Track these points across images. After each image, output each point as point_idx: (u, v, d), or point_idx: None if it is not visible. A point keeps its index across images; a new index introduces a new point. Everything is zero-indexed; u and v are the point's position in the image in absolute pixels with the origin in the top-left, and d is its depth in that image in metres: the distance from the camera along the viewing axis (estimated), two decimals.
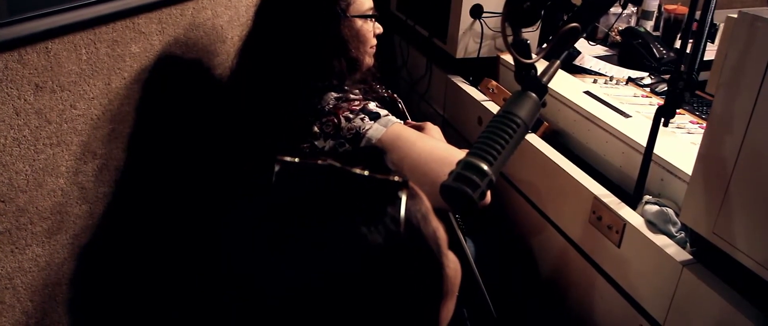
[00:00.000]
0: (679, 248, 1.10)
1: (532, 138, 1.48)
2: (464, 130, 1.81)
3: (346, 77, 1.16)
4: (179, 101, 1.33)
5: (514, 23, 0.73)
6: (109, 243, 1.21)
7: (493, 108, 1.61)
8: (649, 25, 2.22)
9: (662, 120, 1.17)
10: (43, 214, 1.06)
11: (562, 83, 1.60)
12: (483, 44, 1.78)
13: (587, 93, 1.53)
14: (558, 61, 0.81)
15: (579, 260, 1.33)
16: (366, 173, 0.55)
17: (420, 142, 1.10)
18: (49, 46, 1.00)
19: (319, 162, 0.56)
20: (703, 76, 1.46)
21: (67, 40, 1.03)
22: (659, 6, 2.25)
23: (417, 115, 2.08)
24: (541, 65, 0.82)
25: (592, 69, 1.99)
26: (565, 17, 0.86)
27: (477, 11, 1.73)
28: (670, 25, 2.13)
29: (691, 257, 1.08)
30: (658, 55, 1.95)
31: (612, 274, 1.24)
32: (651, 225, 1.17)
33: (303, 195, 0.55)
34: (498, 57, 1.80)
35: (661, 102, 1.16)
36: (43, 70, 1.00)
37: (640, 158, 1.23)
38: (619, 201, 1.23)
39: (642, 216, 1.19)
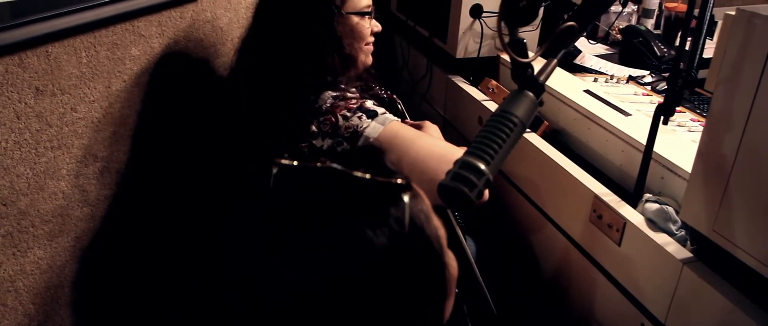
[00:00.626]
0: (679, 246, 1.10)
1: (532, 137, 1.48)
2: (465, 130, 1.82)
3: (340, 74, 1.16)
4: (180, 103, 1.33)
5: (511, 22, 0.73)
6: (111, 245, 1.22)
7: (494, 107, 1.60)
8: (649, 23, 2.22)
9: (662, 118, 1.17)
10: (44, 217, 1.07)
11: (562, 82, 1.60)
12: (483, 44, 1.78)
13: (587, 92, 1.53)
14: (555, 60, 0.81)
15: (579, 258, 1.33)
16: (368, 176, 0.55)
17: (418, 140, 1.10)
18: (50, 50, 1.01)
19: (319, 164, 0.56)
20: (704, 74, 1.46)
21: (67, 44, 1.04)
22: (660, 4, 2.24)
23: (418, 115, 2.08)
24: (540, 64, 0.82)
25: (592, 68, 1.99)
26: (565, 16, 0.86)
27: (477, 11, 1.74)
28: (671, 23, 2.12)
29: (691, 255, 1.08)
30: (658, 53, 1.95)
31: (613, 273, 1.24)
32: (651, 223, 1.17)
33: (304, 198, 0.55)
34: (498, 57, 1.80)
35: (662, 100, 1.16)
36: (43, 73, 1.00)
37: (640, 156, 1.22)
38: (619, 199, 1.23)
39: (642, 214, 1.19)
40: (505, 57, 1.79)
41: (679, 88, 1.12)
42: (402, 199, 0.55)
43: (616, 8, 2.14)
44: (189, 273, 1.33)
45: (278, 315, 0.54)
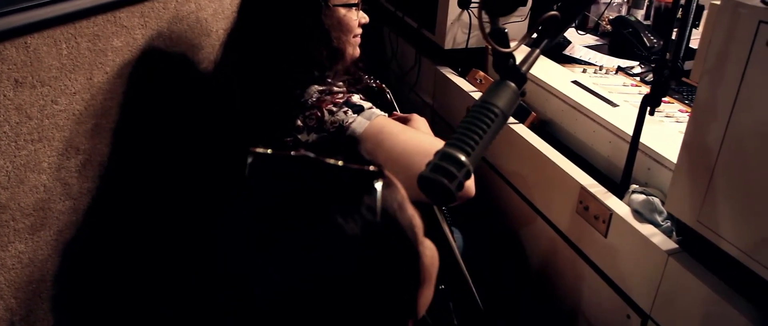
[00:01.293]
0: (664, 237, 1.10)
1: (520, 128, 1.48)
2: (453, 121, 1.81)
3: (328, 68, 1.15)
4: (163, 96, 1.32)
5: (492, 12, 0.72)
6: (93, 239, 1.21)
7: None
8: (639, 14, 2.21)
9: (648, 109, 1.17)
10: (25, 211, 1.05)
11: (550, 73, 1.59)
12: (471, 35, 1.77)
13: (575, 82, 1.53)
14: (538, 50, 0.80)
15: (567, 250, 1.33)
16: (340, 163, 0.54)
17: (403, 135, 1.10)
18: (28, 41, 0.99)
19: (293, 153, 0.56)
20: (691, 65, 1.45)
21: (46, 35, 1.02)
22: None
23: (406, 105, 2.07)
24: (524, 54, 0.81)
25: (581, 58, 1.99)
26: (554, 6, 0.85)
27: (465, 2, 1.73)
28: (661, 14, 2.12)
29: (676, 246, 1.08)
30: (648, 44, 1.95)
31: (599, 264, 1.24)
32: (637, 214, 1.16)
33: (276, 188, 0.55)
34: (486, 47, 1.79)
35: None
36: (22, 65, 0.99)
37: (627, 147, 1.22)
38: (605, 190, 1.23)
39: (628, 205, 1.19)
40: None
41: (666, 79, 1.12)
42: (374, 186, 0.54)
43: None
44: (173, 268, 1.32)
45: (259, 304, 0.54)
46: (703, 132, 0.97)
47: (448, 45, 1.78)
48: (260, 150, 0.56)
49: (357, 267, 0.53)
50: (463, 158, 0.68)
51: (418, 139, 1.11)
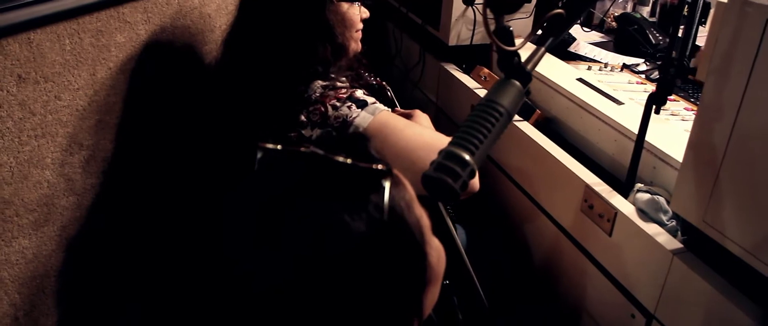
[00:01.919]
0: (669, 237, 1.10)
1: (525, 126, 1.47)
2: (457, 118, 1.80)
3: (332, 64, 1.15)
4: (167, 91, 1.32)
5: (496, 9, 0.72)
6: (97, 234, 1.21)
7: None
8: (645, 11, 2.20)
9: (654, 107, 1.16)
10: (29, 206, 1.05)
11: (555, 70, 1.58)
12: (476, 31, 1.76)
13: (580, 80, 1.52)
14: (543, 48, 0.80)
15: (571, 249, 1.32)
16: (349, 161, 0.54)
17: (407, 130, 1.09)
18: (31, 37, 0.99)
19: (302, 149, 0.56)
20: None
21: (49, 31, 1.02)
22: None
23: (410, 102, 2.06)
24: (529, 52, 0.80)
25: (586, 56, 1.98)
26: (560, 4, 0.84)
27: None
28: (667, 11, 2.11)
29: (681, 246, 1.07)
30: (654, 42, 1.94)
31: (603, 263, 1.24)
32: (642, 213, 1.16)
33: (285, 183, 0.55)
34: (491, 44, 1.78)
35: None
36: (25, 61, 0.98)
37: (632, 146, 1.22)
38: (610, 189, 1.23)
39: (633, 204, 1.18)
40: None
41: (671, 77, 1.11)
42: (382, 185, 0.54)
43: None
44: (177, 263, 1.32)
45: (262, 299, 0.54)
46: (708, 131, 0.96)
47: (453, 41, 1.77)
48: (270, 145, 0.56)
49: (362, 266, 0.53)
50: (467, 157, 0.68)
51: (421, 134, 1.10)
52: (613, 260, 1.21)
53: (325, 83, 1.13)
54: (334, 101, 1.10)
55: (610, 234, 1.20)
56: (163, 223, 1.36)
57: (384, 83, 1.71)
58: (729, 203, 0.94)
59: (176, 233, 1.33)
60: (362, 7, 1.23)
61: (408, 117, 1.32)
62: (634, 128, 1.22)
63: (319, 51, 1.14)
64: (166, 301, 1.30)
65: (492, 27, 0.73)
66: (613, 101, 1.41)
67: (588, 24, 2.21)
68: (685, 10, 1.10)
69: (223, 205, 0.58)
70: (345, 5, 1.19)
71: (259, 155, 0.56)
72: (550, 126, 1.55)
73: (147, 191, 1.31)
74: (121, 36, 1.16)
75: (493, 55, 1.78)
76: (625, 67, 1.83)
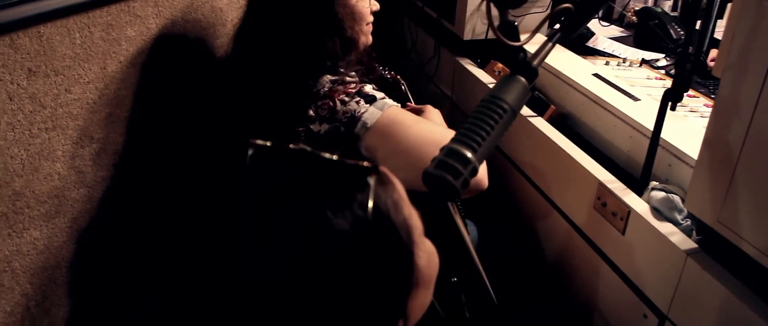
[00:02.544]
0: (684, 236, 1.07)
1: (539, 122, 1.45)
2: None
3: (341, 58, 1.14)
4: (178, 85, 1.32)
5: (500, 4, 0.70)
6: (108, 227, 1.22)
7: None
8: (666, 5, 2.15)
9: (669, 104, 1.13)
10: (40, 198, 1.06)
11: (571, 65, 1.56)
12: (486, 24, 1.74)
13: (596, 75, 1.49)
14: (551, 44, 0.78)
15: (584, 246, 1.30)
16: (335, 157, 0.53)
17: (416, 126, 1.08)
18: (42, 31, 0.99)
19: (291, 146, 0.55)
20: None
21: (60, 25, 1.02)
22: None
23: (425, 97, 2.05)
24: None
25: (605, 50, 1.94)
26: None
27: None
28: (688, 5, 2.06)
29: (696, 246, 1.05)
30: (674, 36, 1.89)
31: (616, 262, 1.21)
32: (656, 212, 1.13)
33: (271, 180, 0.54)
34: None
35: None
36: (35, 54, 0.99)
37: (647, 143, 1.19)
38: (624, 187, 1.20)
39: (647, 203, 1.16)
40: None
41: (688, 73, 1.08)
42: (367, 183, 0.53)
43: None
44: (188, 256, 1.33)
45: (250, 297, 0.54)
46: (724, 128, 0.93)
47: (468, 36, 1.75)
48: (260, 142, 0.56)
49: (344, 263, 0.52)
50: (469, 155, 0.67)
51: (430, 131, 1.09)
52: (625, 259, 1.19)
53: (334, 78, 1.12)
54: (342, 96, 1.09)
55: (623, 233, 1.17)
56: (174, 217, 1.36)
57: (399, 77, 1.70)
58: (744, 203, 0.91)
59: (187, 227, 1.34)
60: (372, 0, 1.22)
61: (419, 112, 1.31)
62: (650, 125, 1.19)
63: (328, 45, 1.13)
64: (177, 295, 1.31)
65: (497, 22, 0.72)
66: (629, 97, 1.38)
67: (607, 18, 2.17)
68: (704, 2, 1.07)
69: (226, 201, 0.58)
70: None
71: (250, 152, 0.56)
72: (565, 122, 1.53)
73: (158, 184, 1.32)
74: (132, 30, 1.17)
75: None
76: (644, 62, 1.79)
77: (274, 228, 0.53)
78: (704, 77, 1.56)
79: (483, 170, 1.06)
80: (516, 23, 0.71)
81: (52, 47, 1.02)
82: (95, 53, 1.10)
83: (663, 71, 1.71)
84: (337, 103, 1.09)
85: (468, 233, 1.35)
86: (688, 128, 1.27)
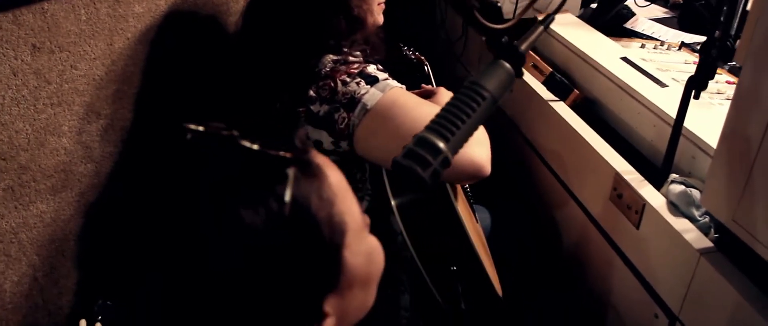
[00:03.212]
0: (699, 234, 1.00)
1: (560, 106, 1.39)
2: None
3: (345, 37, 1.10)
4: (188, 61, 1.32)
5: None
6: (116, 202, 1.23)
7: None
8: None
9: (693, 92, 1.06)
10: (46, 172, 1.08)
11: (599, 48, 1.48)
12: (519, 5, 1.67)
13: (624, 59, 1.41)
14: (542, 27, 0.73)
15: (598, 238, 1.24)
16: (255, 147, 0.51)
17: (418, 109, 1.04)
18: (46, 7, 1.00)
19: (224, 132, 0.53)
20: None
21: (64, 1, 1.03)
22: None
23: (452, 77, 2.00)
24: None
25: (644, 32, 1.84)
26: None
27: None
28: None
29: (711, 245, 0.98)
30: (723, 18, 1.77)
31: (630, 256, 1.16)
32: (673, 206, 1.07)
33: (193, 170, 0.52)
34: (535, 19, 1.68)
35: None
36: (39, 30, 1.00)
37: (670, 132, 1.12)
38: (641, 179, 1.14)
39: (665, 196, 1.09)
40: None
41: (713, 60, 1.01)
42: (286, 175, 0.51)
43: None
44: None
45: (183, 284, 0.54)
46: (744, 121, 0.86)
47: (508, 13, 1.68)
48: (193, 126, 0.53)
49: (253, 259, 0.50)
50: (441, 144, 0.63)
51: (431, 114, 1.04)
52: (639, 254, 1.13)
53: (336, 57, 1.09)
54: (344, 76, 1.06)
55: (637, 227, 1.11)
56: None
57: (422, 58, 1.66)
58: (761, 202, 0.84)
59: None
60: None
61: (429, 94, 1.27)
62: (675, 113, 1.11)
63: (332, 23, 1.10)
64: (186, 273, 1.32)
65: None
66: (657, 83, 1.30)
67: None
68: None
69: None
70: None
71: (187, 136, 0.54)
72: (590, 107, 1.46)
73: (166, 160, 1.33)
74: (140, 6, 1.17)
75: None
76: (683, 45, 1.69)
77: (180, 222, 0.51)
78: (725, 64, 1.47)
79: (485, 156, 1.02)
80: (498, 4, 0.66)
81: (56, 23, 1.03)
82: (101, 30, 1.11)
83: None
84: (339, 83, 1.06)
85: (478, 220, 1.31)
86: (715, 117, 1.18)
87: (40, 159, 1.07)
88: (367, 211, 1.18)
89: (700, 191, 1.05)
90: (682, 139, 1.14)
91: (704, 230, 1.02)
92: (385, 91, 1.05)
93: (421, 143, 0.63)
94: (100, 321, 0.95)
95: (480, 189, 1.42)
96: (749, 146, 0.85)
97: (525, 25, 1.72)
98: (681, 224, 1.02)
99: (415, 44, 1.68)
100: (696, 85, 1.04)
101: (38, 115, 1.05)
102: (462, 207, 1.12)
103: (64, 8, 1.03)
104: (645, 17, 1.94)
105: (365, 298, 0.62)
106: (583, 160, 1.28)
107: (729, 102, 1.29)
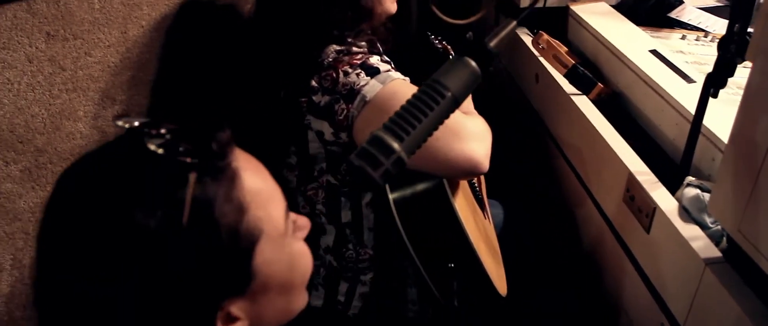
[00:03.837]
0: (708, 243, 0.94)
1: (581, 100, 1.33)
2: (524, 87, 1.67)
3: (350, 28, 1.09)
4: (203, 48, 1.33)
5: None
6: None
7: (547, 65, 1.45)
8: None
9: (712, 90, 0.99)
10: (62, 155, 1.13)
11: (627, 39, 1.40)
12: None
13: (653, 52, 1.34)
14: (514, 22, 0.70)
15: (612, 240, 1.19)
16: (160, 151, 0.51)
17: None
18: None
19: (146, 131, 0.53)
20: None
21: None
22: None
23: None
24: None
25: (690, 22, 1.74)
26: None
27: None
28: None
29: (719, 255, 0.92)
30: None
31: (640, 261, 1.10)
32: (686, 212, 1.01)
33: (99, 169, 0.53)
34: (567, 8, 1.61)
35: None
36: (53, 19, 1.04)
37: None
38: (655, 180, 1.08)
39: (679, 200, 1.03)
40: (576, 9, 1.61)
41: (731, 56, 0.94)
42: (187, 180, 0.50)
43: None
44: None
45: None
46: (752, 124, 0.80)
47: (525, 2, 1.63)
48: (124, 121, 0.54)
49: (144, 260, 0.50)
50: (394, 145, 0.62)
51: None
52: (649, 260, 1.07)
53: (340, 48, 1.09)
54: (346, 67, 1.05)
55: (648, 231, 1.06)
56: None
57: (448, 47, 1.63)
58: (766, 213, 0.78)
59: None
60: None
61: None
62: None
63: (337, 13, 1.09)
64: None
65: None
66: (684, 78, 1.23)
67: None
68: None
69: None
70: None
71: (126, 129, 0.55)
72: (617, 102, 1.39)
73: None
74: None
75: (570, 19, 1.62)
76: None
77: (73, 220, 0.52)
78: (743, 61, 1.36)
79: (482, 152, 1.00)
80: None
81: (70, 12, 1.07)
82: (115, 18, 1.14)
83: None
84: (340, 74, 1.05)
85: (488, 216, 1.29)
86: None
87: (56, 142, 1.12)
88: (370, 204, 1.17)
89: None
90: (702, 140, 1.07)
91: (716, 238, 0.96)
92: (386, 83, 1.03)
93: (375, 142, 0.62)
94: None
95: (496, 182, 1.39)
96: (756, 151, 0.79)
97: (558, 13, 1.66)
98: (690, 231, 0.96)
99: (446, 34, 1.65)
100: (714, 83, 0.97)
101: (54, 100, 1.09)
102: (464, 202, 1.10)
103: None
104: (693, 6, 1.83)
105: (287, 303, 0.62)
106: (600, 157, 1.22)
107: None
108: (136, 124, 0.54)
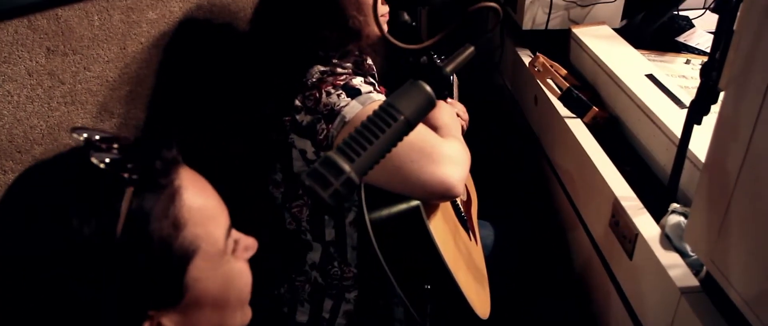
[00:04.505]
0: (686, 271, 0.93)
1: (575, 124, 1.32)
2: (524, 109, 1.67)
3: (336, 48, 1.11)
4: (200, 66, 1.36)
5: (392, 2, 0.64)
6: None
7: (545, 88, 1.44)
8: None
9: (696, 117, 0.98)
10: None
11: (624, 63, 1.39)
12: (553, 15, 1.61)
13: (649, 76, 1.32)
14: (472, 47, 0.70)
15: (598, 265, 1.18)
16: (102, 165, 0.53)
17: None
18: (59, 13, 1.08)
19: (98, 144, 0.56)
20: None
21: (77, 7, 1.11)
22: None
23: (488, 87, 1.96)
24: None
25: (697, 47, 1.71)
26: None
27: None
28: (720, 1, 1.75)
29: (697, 284, 0.91)
30: None
31: (623, 288, 1.09)
32: (667, 239, 1.00)
33: (49, 176, 0.56)
34: (569, 30, 1.61)
35: None
36: (53, 35, 1.09)
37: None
38: (640, 206, 1.07)
39: (662, 228, 1.02)
40: (578, 31, 1.60)
41: (714, 83, 0.93)
42: (123, 193, 0.53)
43: None
44: None
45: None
46: (723, 152, 0.79)
47: (527, 25, 1.64)
48: (78, 133, 0.57)
49: (77, 267, 0.52)
50: (345, 166, 0.63)
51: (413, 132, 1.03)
52: (631, 286, 1.06)
53: (324, 68, 1.10)
54: (329, 87, 1.07)
55: (630, 257, 1.05)
56: None
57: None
58: (736, 242, 0.77)
59: None
60: None
61: None
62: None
63: (324, 34, 1.11)
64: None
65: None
66: (676, 103, 1.21)
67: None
68: None
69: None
70: None
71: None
72: (614, 126, 1.38)
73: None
74: (153, 13, 1.23)
75: (571, 42, 1.61)
76: None
77: (13, 221, 0.54)
78: None
79: (457, 176, 1.00)
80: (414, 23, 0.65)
81: (70, 28, 1.11)
82: (114, 34, 1.18)
83: None
84: (323, 94, 1.07)
85: (473, 238, 1.28)
86: None
87: (53, 153, 1.16)
88: (353, 222, 1.18)
89: None
90: (690, 166, 1.06)
91: (695, 267, 0.94)
92: (365, 104, 1.04)
93: (326, 163, 0.63)
94: None
95: (490, 203, 1.39)
96: (727, 180, 0.78)
97: (559, 36, 1.66)
98: (669, 258, 0.95)
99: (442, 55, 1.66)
100: (697, 110, 0.96)
101: (52, 113, 1.13)
102: (444, 224, 1.10)
103: (78, 14, 1.11)
104: (703, 30, 1.80)
105: (221, 320, 0.63)
106: (589, 182, 1.22)
107: None
108: (88, 136, 0.57)
